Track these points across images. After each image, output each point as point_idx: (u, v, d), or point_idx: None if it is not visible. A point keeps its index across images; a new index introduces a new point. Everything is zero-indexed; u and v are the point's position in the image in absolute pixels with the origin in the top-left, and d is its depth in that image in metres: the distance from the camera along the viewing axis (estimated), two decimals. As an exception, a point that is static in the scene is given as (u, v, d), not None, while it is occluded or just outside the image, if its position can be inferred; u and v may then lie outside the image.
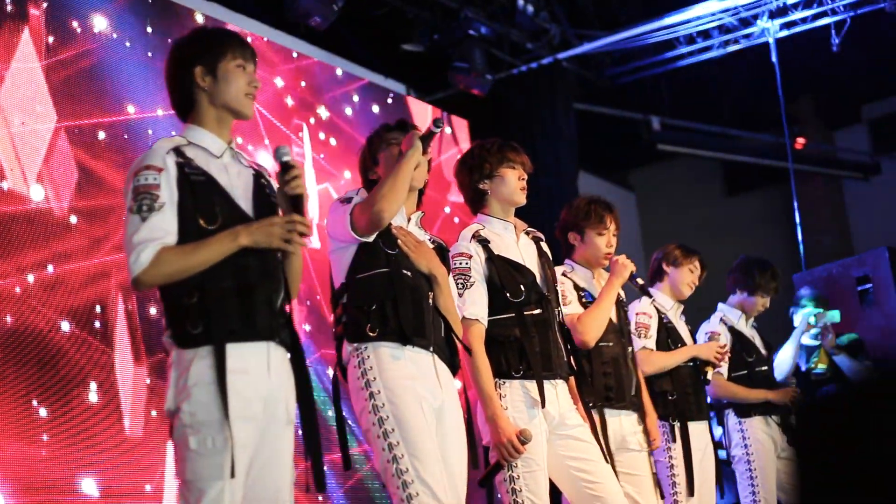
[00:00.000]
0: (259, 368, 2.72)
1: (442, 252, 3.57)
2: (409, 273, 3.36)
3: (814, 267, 8.85)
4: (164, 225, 2.66)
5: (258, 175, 2.91)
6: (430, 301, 3.40)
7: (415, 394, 3.25)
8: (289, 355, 2.84)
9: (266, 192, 2.89)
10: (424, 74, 7.76)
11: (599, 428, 4.02)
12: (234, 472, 2.60)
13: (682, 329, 4.98)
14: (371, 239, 3.34)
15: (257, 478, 2.73)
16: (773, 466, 5.37)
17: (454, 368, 3.47)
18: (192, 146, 2.81)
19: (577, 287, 4.27)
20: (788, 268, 9.13)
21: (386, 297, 3.30)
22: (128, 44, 5.32)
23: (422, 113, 7.49)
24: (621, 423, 4.20)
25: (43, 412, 4.52)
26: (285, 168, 2.83)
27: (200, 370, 2.64)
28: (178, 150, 2.76)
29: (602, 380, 4.16)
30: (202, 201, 2.72)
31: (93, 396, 4.74)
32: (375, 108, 7.05)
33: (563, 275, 4.29)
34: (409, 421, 3.20)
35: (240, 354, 2.68)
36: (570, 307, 4.16)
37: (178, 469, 2.68)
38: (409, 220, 3.51)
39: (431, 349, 3.36)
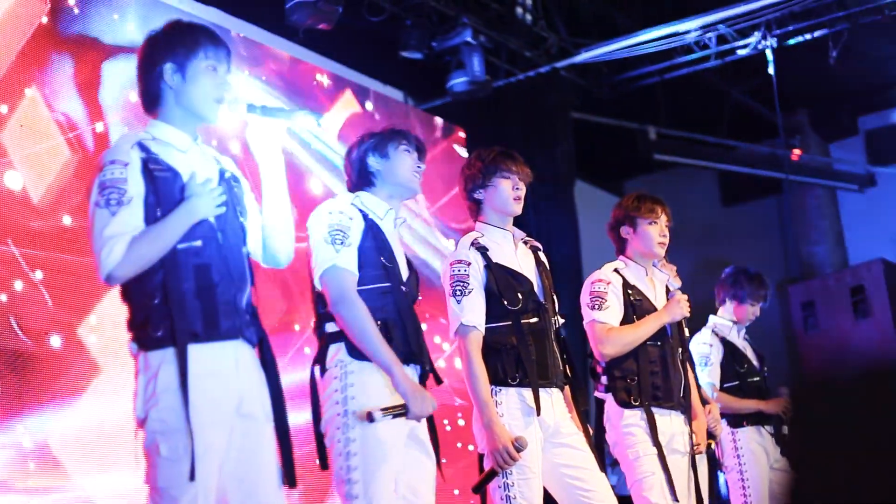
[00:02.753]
0: (227, 369, 2.70)
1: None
2: (405, 288, 3.37)
3: (809, 278, 8.87)
4: (133, 220, 2.64)
5: (223, 170, 2.89)
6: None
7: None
8: (254, 351, 2.82)
9: (231, 186, 2.87)
10: (422, 82, 7.77)
11: (648, 426, 4.05)
12: (193, 475, 2.56)
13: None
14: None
15: (243, 478, 2.71)
16: (765, 476, 5.38)
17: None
18: (156, 141, 2.77)
19: (626, 285, 4.26)
20: (783, 278, 9.15)
21: (387, 317, 3.29)
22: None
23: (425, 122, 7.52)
24: (671, 422, 4.18)
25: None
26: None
27: (168, 376, 2.61)
28: (142, 145, 2.73)
29: (649, 379, 4.16)
30: (164, 197, 2.70)
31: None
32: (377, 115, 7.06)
33: (616, 271, 4.29)
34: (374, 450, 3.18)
35: (206, 357, 2.65)
36: (606, 312, 4.16)
37: (149, 476, 2.64)
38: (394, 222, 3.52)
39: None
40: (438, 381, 3.53)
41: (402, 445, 3.26)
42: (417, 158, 3.55)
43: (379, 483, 3.17)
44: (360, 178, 3.55)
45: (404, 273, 3.46)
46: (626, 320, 4.20)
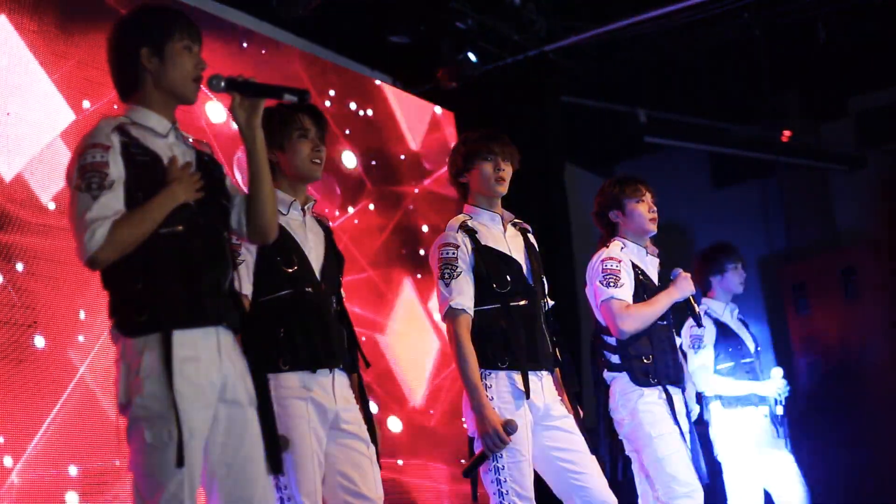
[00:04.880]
0: (210, 354, 2.69)
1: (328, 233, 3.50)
2: (310, 289, 3.29)
3: (800, 259, 8.88)
4: (114, 204, 2.63)
5: (200, 154, 2.89)
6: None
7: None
8: (236, 337, 2.81)
9: (210, 169, 2.87)
10: (411, 66, 7.73)
11: (667, 405, 4.08)
12: (181, 461, 2.56)
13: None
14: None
15: (230, 464, 2.71)
16: (758, 458, 5.38)
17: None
18: (136, 126, 2.76)
19: (633, 263, 4.26)
20: (774, 260, 9.15)
21: (292, 323, 3.23)
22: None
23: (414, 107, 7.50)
24: (680, 401, 4.21)
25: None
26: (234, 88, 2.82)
27: (151, 361, 2.60)
28: (122, 129, 2.72)
29: (663, 357, 4.19)
30: (145, 181, 2.69)
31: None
32: (352, 105, 7.04)
33: (621, 250, 4.28)
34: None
35: (188, 341, 2.65)
36: (622, 289, 4.16)
37: (134, 464, 2.63)
38: (303, 211, 3.42)
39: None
40: (367, 364, 3.50)
41: (319, 435, 3.21)
42: (317, 136, 3.41)
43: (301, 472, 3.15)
44: None
45: (316, 268, 3.34)
46: (637, 298, 4.21)
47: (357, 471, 3.26)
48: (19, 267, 4.50)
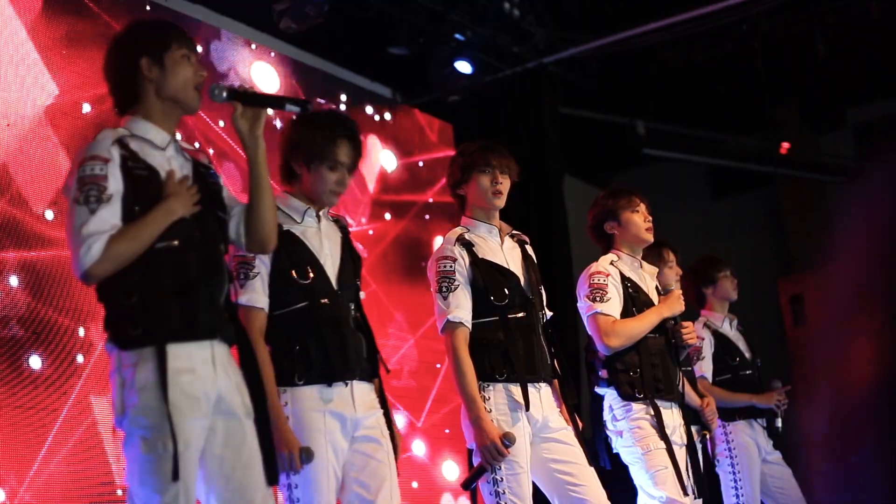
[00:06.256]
0: (205, 366, 2.69)
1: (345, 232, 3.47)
2: (326, 301, 3.26)
3: (797, 271, 8.88)
4: (111, 218, 2.63)
5: (197, 165, 2.88)
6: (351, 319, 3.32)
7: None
8: (231, 350, 2.81)
9: (207, 182, 2.86)
10: (411, 78, 7.74)
11: (656, 419, 4.06)
12: (176, 475, 2.55)
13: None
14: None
15: (229, 476, 2.71)
16: (756, 470, 5.38)
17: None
18: (135, 138, 2.76)
19: (623, 277, 4.25)
20: (774, 272, 9.15)
21: (307, 336, 3.22)
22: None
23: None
24: (672, 415, 4.19)
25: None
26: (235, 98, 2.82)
27: (146, 374, 2.60)
28: (121, 142, 2.71)
29: (651, 371, 4.16)
30: (142, 195, 2.69)
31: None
32: (369, 109, 7.05)
33: (612, 264, 4.27)
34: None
35: (183, 353, 2.65)
36: (608, 304, 4.14)
37: (130, 475, 2.63)
38: (318, 218, 3.38)
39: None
40: (387, 370, 3.47)
41: (337, 447, 3.19)
42: (346, 168, 3.33)
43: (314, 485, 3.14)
44: (284, 179, 3.43)
45: (333, 276, 3.30)
46: (626, 313, 4.20)
47: (374, 479, 3.24)
48: (13, 281, 4.45)
